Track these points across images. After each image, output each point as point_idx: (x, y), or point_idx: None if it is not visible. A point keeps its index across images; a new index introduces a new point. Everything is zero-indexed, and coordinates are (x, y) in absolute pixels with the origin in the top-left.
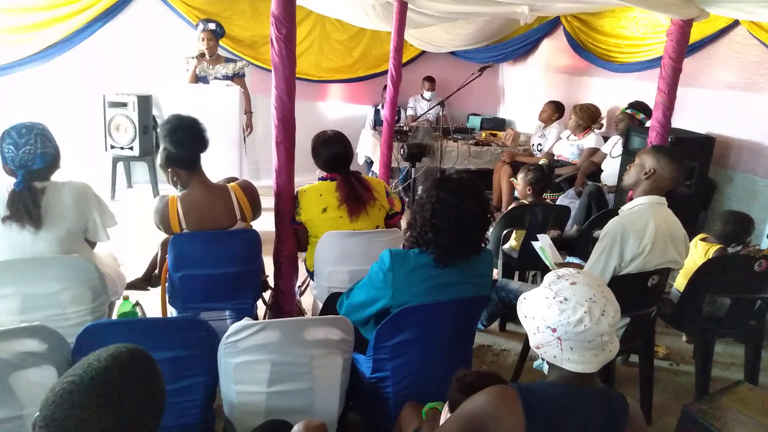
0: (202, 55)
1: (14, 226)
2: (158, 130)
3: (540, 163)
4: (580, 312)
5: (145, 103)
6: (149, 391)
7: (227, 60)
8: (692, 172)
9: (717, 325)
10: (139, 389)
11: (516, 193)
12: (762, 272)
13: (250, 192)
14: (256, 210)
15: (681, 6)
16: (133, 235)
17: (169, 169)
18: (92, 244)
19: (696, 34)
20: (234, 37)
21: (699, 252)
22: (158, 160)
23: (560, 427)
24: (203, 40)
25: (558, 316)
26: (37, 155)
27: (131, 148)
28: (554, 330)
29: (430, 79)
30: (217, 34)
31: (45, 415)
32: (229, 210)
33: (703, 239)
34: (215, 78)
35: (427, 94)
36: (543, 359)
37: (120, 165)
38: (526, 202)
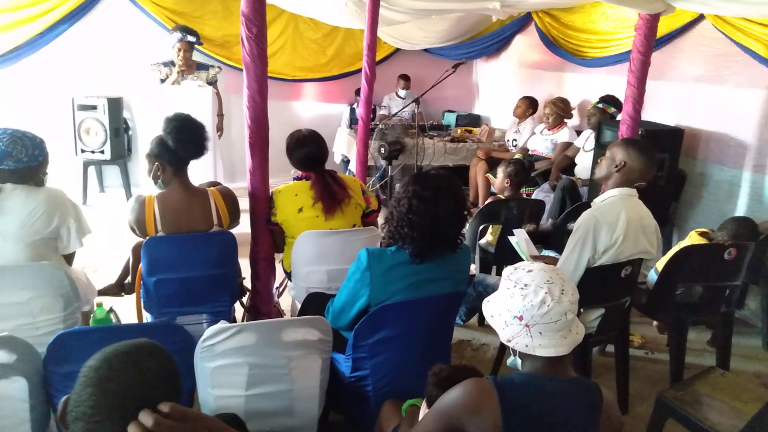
0: (182, 71)
1: None
2: (163, 123)
3: (516, 157)
4: (541, 294)
5: (115, 105)
6: (175, 372)
7: (199, 67)
8: (662, 163)
9: (689, 312)
10: (170, 367)
11: (492, 188)
12: (732, 260)
13: (230, 198)
14: (234, 218)
15: (648, 1)
16: (106, 241)
17: (157, 162)
18: (69, 259)
19: (663, 28)
20: (206, 37)
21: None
22: (149, 148)
23: (536, 418)
24: (179, 50)
25: (522, 302)
26: (2, 152)
27: (102, 152)
28: (521, 318)
29: (405, 77)
30: (192, 46)
31: (93, 371)
32: (206, 214)
33: (702, 234)
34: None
35: (402, 92)
36: (516, 356)
37: (91, 169)
38: (502, 197)
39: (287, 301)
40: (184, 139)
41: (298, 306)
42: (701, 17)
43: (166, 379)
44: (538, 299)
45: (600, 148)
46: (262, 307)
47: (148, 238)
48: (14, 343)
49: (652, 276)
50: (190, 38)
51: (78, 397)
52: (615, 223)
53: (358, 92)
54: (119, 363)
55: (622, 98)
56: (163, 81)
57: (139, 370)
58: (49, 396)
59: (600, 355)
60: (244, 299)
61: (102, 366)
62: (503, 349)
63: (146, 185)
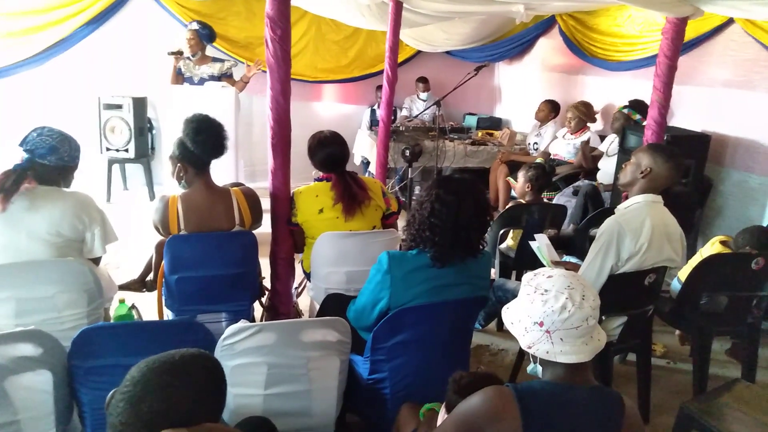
0: (179, 53)
1: (11, 225)
2: (182, 125)
3: (537, 161)
4: (562, 299)
5: (140, 105)
6: (221, 392)
7: (214, 60)
8: (688, 170)
9: (714, 322)
10: (213, 387)
11: (513, 192)
12: (759, 270)
13: (252, 199)
14: (256, 219)
15: (676, 4)
16: (128, 238)
17: (179, 164)
18: (95, 262)
19: (691, 32)
20: (229, 38)
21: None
22: (172, 149)
23: (557, 426)
24: (186, 39)
25: (542, 308)
26: (48, 145)
27: (126, 150)
28: (541, 324)
29: (423, 80)
30: (199, 34)
31: (133, 375)
32: (228, 214)
33: (723, 242)
34: (201, 78)
35: (423, 95)
36: (536, 363)
37: (115, 167)
38: (523, 201)
39: (306, 301)
40: (202, 139)
41: (317, 307)
42: (731, 21)
43: (204, 399)
44: (558, 305)
45: (624, 154)
46: (281, 307)
47: (171, 236)
48: (41, 337)
49: (675, 285)
50: (194, 26)
51: (115, 406)
52: (639, 230)
53: (379, 88)
54: (157, 383)
55: (647, 102)
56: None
57: (178, 391)
58: (72, 389)
59: (621, 364)
60: (264, 299)
61: (140, 382)
62: (522, 355)
63: (169, 184)
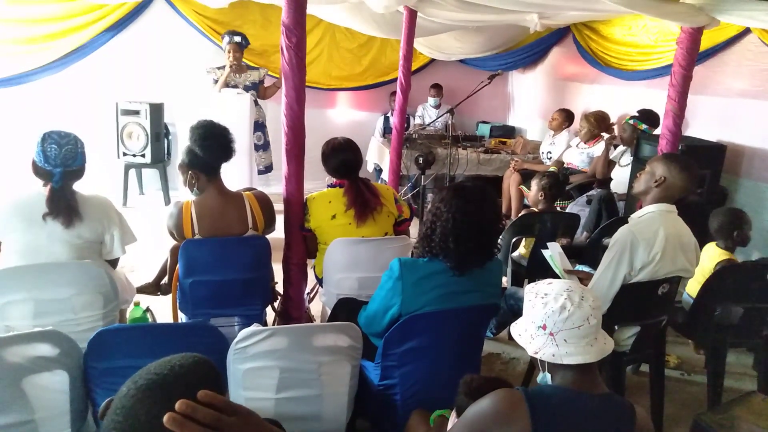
0: (233, 67)
1: (33, 228)
2: (188, 132)
3: (551, 170)
4: (561, 299)
5: (157, 110)
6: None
7: (249, 68)
8: (703, 180)
9: (729, 334)
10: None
11: (526, 201)
12: None
13: (265, 203)
14: (269, 223)
15: (691, 14)
16: (145, 242)
17: (190, 171)
18: (113, 263)
19: (707, 41)
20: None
21: (710, 254)
22: (181, 158)
23: (567, 431)
24: (229, 52)
25: (543, 310)
26: (78, 154)
27: (143, 156)
28: (544, 327)
29: (435, 86)
30: (241, 46)
31: (123, 405)
32: (241, 218)
33: (718, 245)
34: (245, 86)
35: (433, 101)
36: (545, 371)
37: (132, 172)
38: (536, 210)
39: (318, 307)
40: (208, 145)
41: (329, 312)
42: (747, 31)
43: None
44: (558, 305)
45: (638, 163)
46: (293, 312)
47: (185, 240)
48: (58, 338)
49: (686, 297)
50: (236, 39)
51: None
52: (653, 239)
53: (393, 96)
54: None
55: (662, 112)
56: (216, 81)
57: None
58: (87, 390)
59: (634, 375)
60: (276, 304)
61: (129, 416)
62: (533, 364)
63: (184, 189)
